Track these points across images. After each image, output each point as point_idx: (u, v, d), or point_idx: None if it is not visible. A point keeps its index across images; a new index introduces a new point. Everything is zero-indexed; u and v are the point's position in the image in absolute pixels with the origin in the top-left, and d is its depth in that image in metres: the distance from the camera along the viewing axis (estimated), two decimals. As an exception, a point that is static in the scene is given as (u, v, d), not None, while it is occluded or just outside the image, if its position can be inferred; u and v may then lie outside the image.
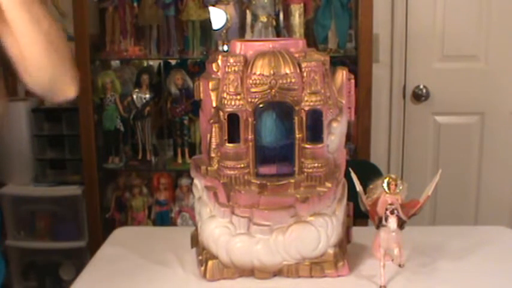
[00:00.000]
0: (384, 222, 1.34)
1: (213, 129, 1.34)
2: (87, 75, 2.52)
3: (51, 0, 2.91)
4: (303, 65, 1.31)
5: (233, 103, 1.30)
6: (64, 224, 2.80)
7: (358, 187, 1.36)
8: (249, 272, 1.38)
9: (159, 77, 2.71)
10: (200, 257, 1.42)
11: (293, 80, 1.30)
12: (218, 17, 2.21)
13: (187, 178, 2.57)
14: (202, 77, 1.40)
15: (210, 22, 2.46)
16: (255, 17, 2.48)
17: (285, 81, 1.29)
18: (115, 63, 2.77)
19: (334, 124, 1.35)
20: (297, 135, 1.32)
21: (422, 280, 1.38)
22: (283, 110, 1.32)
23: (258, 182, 1.32)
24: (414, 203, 1.37)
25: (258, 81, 1.29)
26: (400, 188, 1.34)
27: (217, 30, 2.47)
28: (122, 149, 2.66)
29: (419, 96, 2.84)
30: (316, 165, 1.33)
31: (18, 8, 1.06)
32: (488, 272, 1.43)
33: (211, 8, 2.37)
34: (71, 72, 1.17)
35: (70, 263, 2.79)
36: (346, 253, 1.43)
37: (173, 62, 2.71)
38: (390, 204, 1.32)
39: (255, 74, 1.30)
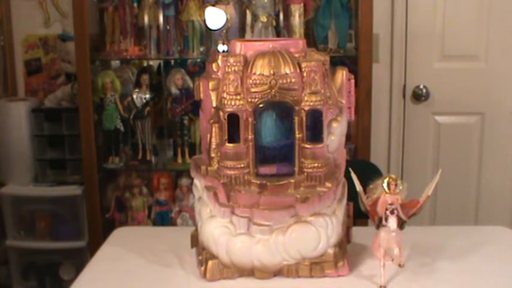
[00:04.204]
0: (383, 222, 1.34)
1: (213, 129, 1.34)
2: (87, 75, 2.52)
3: (51, 0, 2.92)
4: (303, 65, 1.31)
5: (233, 103, 1.30)
6: (64, 224, 2.80)
7: (358, 187, 1.36)
8: (249, 272, 1.38)
9: (159, 77, 2.71)
10: (200, 257, 1.42)
11: (293, 80, 1.30)
12: (218, 17, 2.21)
13: (187, 178, 2.57)
14: (202, 77, 1.40)
15: (206, 23, 2.46)
16: (255, 17, 2.49)
17: (285, 81, 1.29)
18: (115, 63, 2.77)
19: (334, 124, 1.35)
20: (297, 135, 1.32)
21: (422, 280, 1.38)
22: (283, 110, 1.32)
23: (258, 182, 1.32)
24: (414, 203, 1.37)
25: (258, 81, 1.30)
26: (400, 188, 1.34)
27: (214, 30, 2.47)
28: (122, 149, 2.66)
29: (419, 96, 2.84)
30: (316, 165, 1.33)
31: None
32: (488, 272, 1.43)
33: (208, 9, 2.37)
34: None
35: (70, 263, 2.79)
36: (346, 253, 1.43)
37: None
38: (390, 204, 1.32)
39: (255, 74, 1.30)
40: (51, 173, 2.81)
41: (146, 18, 2.55)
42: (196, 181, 1.44)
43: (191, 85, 2.54)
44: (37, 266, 2.86)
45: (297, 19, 2.50)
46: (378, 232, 1.36)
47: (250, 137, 1.32)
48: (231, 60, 1.31)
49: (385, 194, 1.33)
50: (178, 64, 2.68)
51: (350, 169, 1.39)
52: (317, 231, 1.34)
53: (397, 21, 2.81)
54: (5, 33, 2.92)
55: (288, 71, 1.30)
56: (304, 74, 1.30)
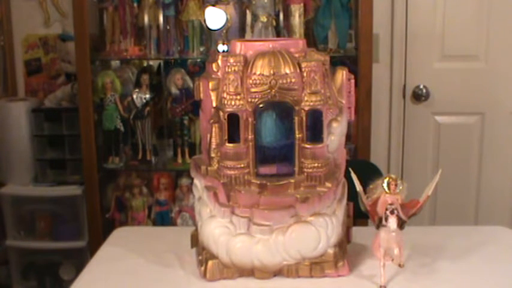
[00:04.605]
0: (383, 222, 1.34)
1: (213, 129, 1.34)
2: (87, 75, 2.52)
3: (51, 0, 2.92)
4: (303, 65, 1.31)
5: (233, 103, 1.30)
6: (64, 224, 2.80)
7: (358, 187, 1.36)
8: (249, 272, 1.38)
9: (159, 77, 2.71)
10: (200, 257, 1.42)
11: (293, 80, 1.30)
12: (218, 17, 2.21)
13: (187, 178, 2.57)
14: (202, 77, 1.40)
15: (206, 23, 2.46)
16: (255, 17, 2.49)
17: (285, 81, 1.29)
18: (115, 63, 2.77)
19: (334, 124, 1.35)
20: (297, 135, 1.32)
21: (422, 280, 1.38)
22: (283, 110, 1.32)
23: (258, 182, 1.32)
24: (414, 203, 1.37)
25: (258, 81, 1.30)
26: (400, 188, 1.34)
27: (214, 30, 2.47)
28: (122, 149, 2.66)
29: (419, 96, 2.84)
30: (316, 165, 1.33)
31: None
32: (488, 272, 1.43)
33: (208, 9, 2.37)
34: None
35: (70, 263, 2.79)
36: (346, 253, 1.43)
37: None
38: (390, 204, 1.32)
39: (255, 74, 1.30)
40: (51, 173, 2.81)
41: (146, 18, 2.55)
42: (196, 181, 1.44)
43: (191, 85, 2.54)
44: (37, 266, 2.85)
45: (297, 19, 2.50)
46: (378, 232, 1.36)
47: (250, 137, 1.32)
48: (231, 60, 1.31)
49: (385, 194, 1.33)
50: (178, 64, 2.68)
51: (350, 169, 1.39)
52: (317, 231, 1.34)
53: (397, 21, 2.81)
54: (5, 33, 2.92)
55: (288, 71, 1.30)
56: (304, 74, 1.31)
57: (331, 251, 1.37)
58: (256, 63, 1.30)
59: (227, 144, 1.32)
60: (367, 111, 2.50)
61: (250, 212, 1.33)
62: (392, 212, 1.32)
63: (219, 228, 1.35)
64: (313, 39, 2.57)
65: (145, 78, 2.57)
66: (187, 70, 2.64)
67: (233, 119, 1.31)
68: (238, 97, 1.30)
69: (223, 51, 1.44)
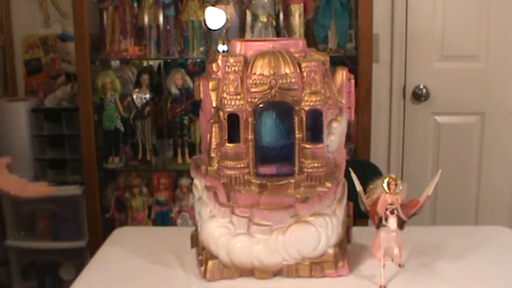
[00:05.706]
0: (383, 222, 1.34)
1: (213, 129, 1.34)
2: (87, 75, 2.52)
3: (51, 0, 2.92)
4: (303, 65, 1.31)
5: (233, 103, 1.30)
6: (64, 224, 2.80)
7: (358, 187, 1.36)
8: (249, 272, 1.38)
9: (159, 77, 2.71)
10: (200, 257, 1.42)
11: (293, 80, 1.30)
12: (218, 17, 2.21)
13: (187, 178, 2.57)
14: (202, 77, 1.40)
15: (206, 23, 2.46)
16: (255, 17, 2.48)
17: (285, 81, 1.29)
18: (115, 63, 2.76)
19: (334, 124, 1.35)
20: (297, 135, 1.32)
21: (422, 280, 1.38)
22: (283, 110, 1.32)
23: (258, 182, 1.32)
24: (414, 203, 1.37)
25: (258, 81, 1.30)
26: (400, 188, 1.34)
27: (214, 30, 2.47)
28: (122, 149, 2.66)
29: (419, 96, 2.84)
30: (316, 165, 1.33)
31: None
32: (488, 272, 1.43)
33: (208, 9, 2.37)
34: None
35: (70, 263, 2.79)
36: (346, 253, 1.43)
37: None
38: (390, 204, 1.32)
39: (255, 74, 1.30)
40: (51, 173, 2.81)
41: (146, 18, 2.55)
42: (196, 181, 1.44)
43: (191, 85, 2.54)
44: (37, 266, 2.85)
45: (297, 19, 2.50)
46: (378, 232, 1.36)
47: (250, 137, 1.32)
48: (231, 60, 1.31)
49: (385, 194, 1.34)
50: (178, 64, 2.68)
51: (350, 169, 1.39)
52: (317, 231, 1.35)
53: (397, 21, 2.81)
54: (5, 33, 2.92)
55: (288, 71, 1.30)
56: (304, 74, 1.31)
57: (331, 251, 1.37)
58: (256, 63, 1.30)
59: (227, 144, 1.32)
60: (367, 111, 2.50)
61: (250, 212, 1.33)
62: (392, 212, 1.32)
63: (219, 228, 1.35)
64: (313, 39, 2.57)
65: (145, 78, 2.57)
66: (187, 70, 2.64)
67: (233, 119, 1.31)
68: (238, 97, 1.30)
69: (223, 51, 1.45)
